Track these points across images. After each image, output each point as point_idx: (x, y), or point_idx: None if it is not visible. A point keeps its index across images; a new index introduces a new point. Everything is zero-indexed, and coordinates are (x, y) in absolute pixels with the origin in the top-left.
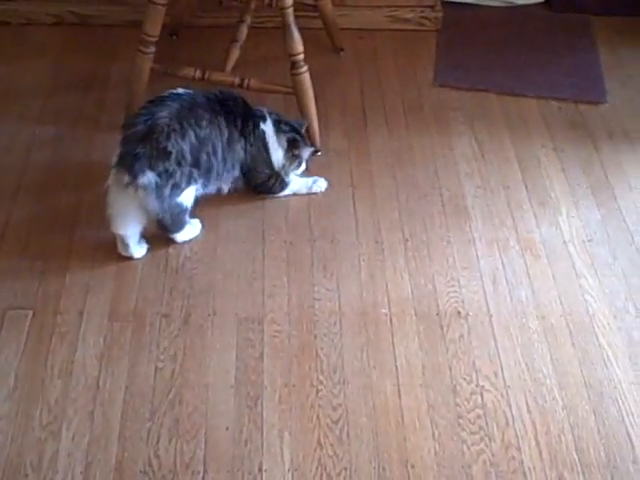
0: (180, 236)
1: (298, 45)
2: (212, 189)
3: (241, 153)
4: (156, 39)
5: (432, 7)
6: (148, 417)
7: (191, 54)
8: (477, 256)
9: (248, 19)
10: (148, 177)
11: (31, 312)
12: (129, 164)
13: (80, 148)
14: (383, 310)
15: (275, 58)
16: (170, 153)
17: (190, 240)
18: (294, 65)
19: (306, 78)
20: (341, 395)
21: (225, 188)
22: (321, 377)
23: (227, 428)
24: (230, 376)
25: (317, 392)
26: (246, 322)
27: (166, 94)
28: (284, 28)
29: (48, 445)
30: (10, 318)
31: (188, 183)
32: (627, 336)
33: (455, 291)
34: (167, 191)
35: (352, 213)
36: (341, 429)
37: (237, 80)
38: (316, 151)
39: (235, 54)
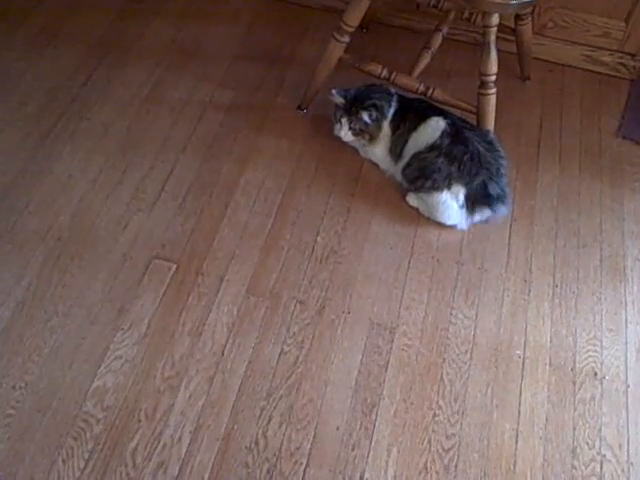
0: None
1: (493, 66)
2: None
3: None
4: (353, 29)
5: (633, 55)
6: (264, 396)
7: (376, 50)
8: (626, 320)
9: (445, 29)
10: None
11: (175, 266)
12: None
13: (252, 119)
14: (517, 351)
15: (458, 72)
16: None
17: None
18: (483, 85)
19: (492, 100)
20: (457, 425)
21: None
22: (441, 402)
23: (338, 428)
24: (351, 377)
25: (434, 416)
26: (378, 328)
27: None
28: (483, 46)
29: (165, 398)
30: (155, 267)
31: None
32: None
33: (596, 350)
34: None
35: (506, 245)
36: (450, 459)
37: (422, 87)
38: None
39: (425, 61)
